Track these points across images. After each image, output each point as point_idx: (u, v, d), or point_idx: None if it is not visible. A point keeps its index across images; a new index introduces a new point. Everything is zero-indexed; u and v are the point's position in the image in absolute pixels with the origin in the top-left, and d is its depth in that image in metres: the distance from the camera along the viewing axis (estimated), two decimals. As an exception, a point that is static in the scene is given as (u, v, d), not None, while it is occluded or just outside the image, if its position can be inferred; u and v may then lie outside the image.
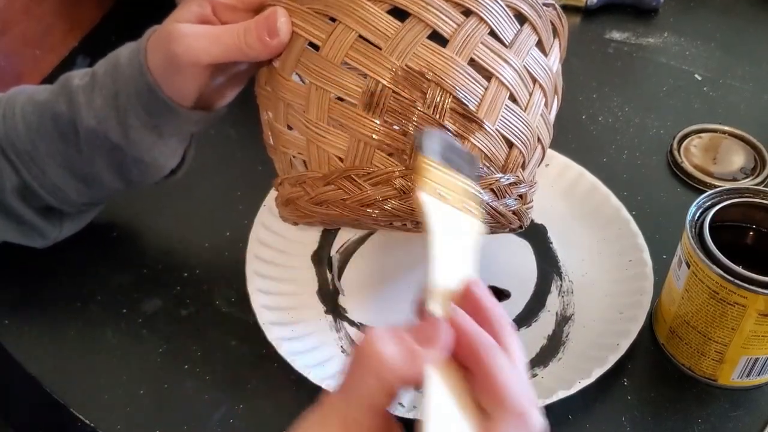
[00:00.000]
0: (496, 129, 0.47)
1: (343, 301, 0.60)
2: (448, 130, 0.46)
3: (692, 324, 0.53)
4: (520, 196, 0.51)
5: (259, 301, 0.57)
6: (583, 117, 0.78)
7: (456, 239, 0.39)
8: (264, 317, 0.56)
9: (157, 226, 0.67)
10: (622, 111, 0.79)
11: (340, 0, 0.46)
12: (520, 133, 0.48)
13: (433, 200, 0.39)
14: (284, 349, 0.54)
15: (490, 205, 0.49)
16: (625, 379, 0.55)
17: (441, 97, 0.45)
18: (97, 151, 0.54)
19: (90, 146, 0.54)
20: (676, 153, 0.73)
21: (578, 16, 0.93)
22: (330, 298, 0.60)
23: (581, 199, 0.67)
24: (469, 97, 0.46)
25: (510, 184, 0.49)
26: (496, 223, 0.50)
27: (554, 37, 0.51)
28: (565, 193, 0.68)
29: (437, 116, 0.46)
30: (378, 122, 0.46)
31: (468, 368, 0.35)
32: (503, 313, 0.38)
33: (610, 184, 0.67)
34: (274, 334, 0.55)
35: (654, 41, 0.89)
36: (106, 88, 0.53)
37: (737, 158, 0.73)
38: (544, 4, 0.49)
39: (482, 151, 0.47)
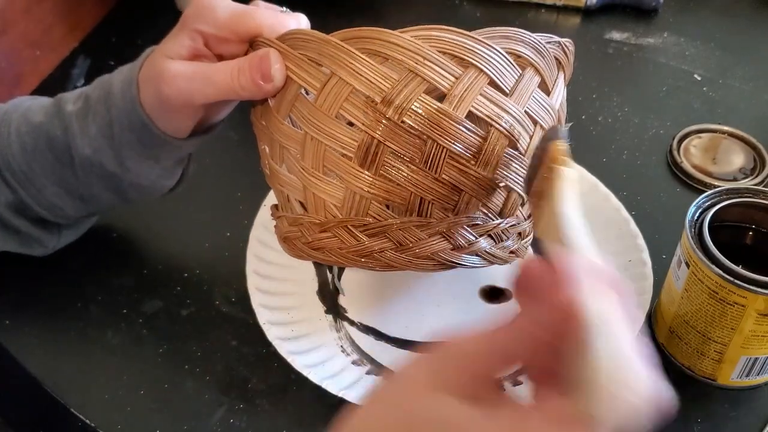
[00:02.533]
0: (495, 178, 0.46)
1: (343, 301, 0.60)
2: (444, 184, 0.45)
3: (692, 324, 0.53)
4: (519, 233, 0.51)
5: (258, 301, 0.57)
6: (583, 117, 0.78)
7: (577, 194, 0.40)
8: (264, 317, 0.56)
9: (157, 226, 0.67)
10: (622, 111, 0.79)
11: (334, 50, 0.44)
12: (519, 178, 0.48)
13: (570, 171, 0.40)
14: (284, 349, 0.54)
15: (488, 252, 0.48)
16: (624, 379, 0.55)
17: (437, 152, 0.44)
18: (94, 176, 0.54)
19: (86, 171, 0.54)
20: (675, 153, 0.73)
21: (578, 16, 0.93)
22: (330, 298, 0.60)
23: (581, 199, 0.67)
24: (466, 150, 0.45)
25: (509, 227, 0.49)
26: (494, 264, 0.50)
27: (558, 71, 0.49)
28: (565, 193, 0.67)
29: (433, 172, 0.45)
30: (374, 176, 0.45)
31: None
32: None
33: (610, 184, 0.67)
34: (274, 334, 0.55)
35: (654, 41, 0.89)
36: (100, 116, 0.52)
37: (737, 158, 0.73)
38: (548, 42, 0.48)
39: (479, 200, 0.47)
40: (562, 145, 0.42)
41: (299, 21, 0.50)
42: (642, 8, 0.93)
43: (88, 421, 0.53)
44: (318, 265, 0.62)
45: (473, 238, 0.48)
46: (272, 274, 0.60)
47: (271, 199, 0.65)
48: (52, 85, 0.81)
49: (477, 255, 0.48)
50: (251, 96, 0.48)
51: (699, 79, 0.83)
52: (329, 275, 0.62)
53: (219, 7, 0.49)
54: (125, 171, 0.53)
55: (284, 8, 0.51)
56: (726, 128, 0.75)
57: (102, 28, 0.90)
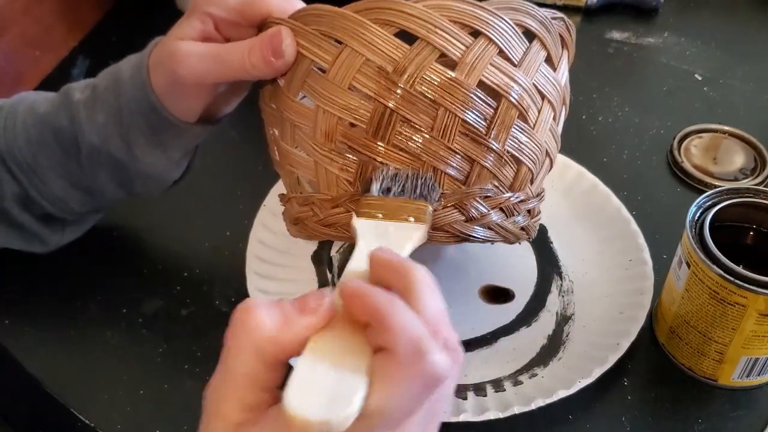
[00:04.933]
0: (506, 150, 0.47)
1: (343, 301, 0.60)
2: (457, 153, 0.46)
3: (692, 324, 0.53)
4: (529, 211, 0.51)
5: (259, 301, 0.57)
6: (583, 117, 0.78)
7: (383, 240, 0.41)
8: (264, 317, 0.56)
9: (157, 226, 0.67)
10: (622, 111, 0.79)
11: (347, 22, 0.45)
12: (529, 151, 0.48)
13: (361, 221, 0.42)
14: (284, 349, 0.54)
15: (500, 225, 0.49)
16: (625, 379, 0.55)
17: (450, 120, 0.45)
18: (100, 165, 0.54)
19: (92, 161, 0.54)
20: (676, 153, 0.73)
21: (578, 16, 0.93)
22: (330, 298, 0.60)
23: (581, 198, 0.67)
24: (478, 119, 0.45)
25: (519, 201, 0.49)
26: (505, 239, 0.50)
27: (563, 49, 0.50)
28: (565, 192, 0.68)
29: (446, 140, 0.45)
30: (386, 146, 0.46)
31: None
32: (413, 267, 0.35)
33: (610, 184, 0.67)
34: (274, 334, 0.55)
35: (654, 41, 0.89)
36: (108, 104, 0.52)
37: (737, 158, 0.73)
38: (553, 18, 0.48)
39: (491, 172, 0.47)
40: (366, 198, 0.44)
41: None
42: (642, 8, 0.93)
43: (87, 421, 0.53)
44: (318, 265, 0.62)
45: (485, 210, 0.48)
46: (272, 274, 0.60)
47: (270, 199, 0.65)
48: (52, 85, 0.80)
49: (489, 228, 0.49)
50: (262, 74, 0.48)
51: (699, 79, 0.83)
52: (329, 275, 0.62)
53: None
54: (133, 159, 0.53)
55: None
56: (726, 128, 0.75)
57: (102, 28, 0.90)
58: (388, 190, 0.45)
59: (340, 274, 0.62)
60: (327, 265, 0.63)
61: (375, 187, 0.45)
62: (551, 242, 0.64)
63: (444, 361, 0.32)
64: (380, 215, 0.43)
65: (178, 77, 0.49)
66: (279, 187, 0.65)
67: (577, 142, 0.73)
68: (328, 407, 0.30)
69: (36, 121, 0.54)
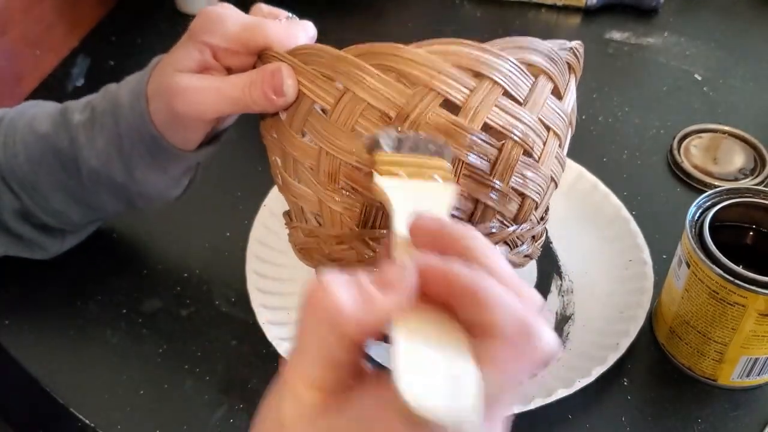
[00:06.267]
0: (510, 187, 0.46)
1: (343, 301, 0.60)
2: (460, 194, 0.45)
3: (692, 324, 0.53)
4: (533, 236, 0.51)
5: (258, 301, 0.57)
6: (583, 117, 0.78)
7: (417, 203, 0.37)
8: (263, 317, 0.56)
9: (157, 226, 0.67)
10: (622, 111, 0.79)
11: (348, 66, 0.44)
12: (534, 185, 0.48)
13: (385, 179, 0.39)
14: (284, 349, 0.54)
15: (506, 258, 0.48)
16: (625, 379, 0.55)
17: (453, 163, 0.44)
18: (102, 186, 0.54)
19: (93, 182, 0.54)
20: (676, 153, 0.73)
21: (578, 16, 0.93)
22: (330, 298, 0.60)
23: (581, 198, 0.67)
24: (482, 161, 0.45)
25: (523, 232, 0.49)
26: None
27: (570, 75, 0.49)
28: (565, 192, 0.67)
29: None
30: None
31: (454, 308, 0.30)
32: (466, 230, 0.32)
33: (610, 183, 0.67)
34: (273, 334, 0.55)
35: (654, 41, 0.89)
36: (108, 128, 0.52)
37: (737, 158, 0.73)
38: (561, 49, 0.47)
39: (495, 209, 0.46)
40: (379, 155, 0.41)
41: (307, 30, 0.49)
42: (642, 8, 0.93)
43: (87, 421, 0.53)
44: (318, 265, 0.62)
45: None
46: (272, 274, 0.60)
47: (270, 199, 0.65)
48: (52, 85, 0.81)
49: None
50: (262, 110, 0.47)
51: (699, 79, 0.83)
52: (329, 275, 0.62)
53: (228, 20, 0.48)
54: (133, 182, 0.53)
55: (290, 14, 0.51)
56: (726, 128, 0.75)
57: (102, 28, 0.90)
58: (398, 147, 0.42)
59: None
60: (327, 265, 0.63)
61: (384, 143, 0.42)
62: (551, 242, 0.64)
63: (554, 339, 0.29)
64: (402, 173, 0.40)
65: (177, 113, 0.49)
66: (279, 187, 0.65)
67: (577, 142, 0.73)
68: (452, 403, 0.27)
69: (36, 139, 0.53)
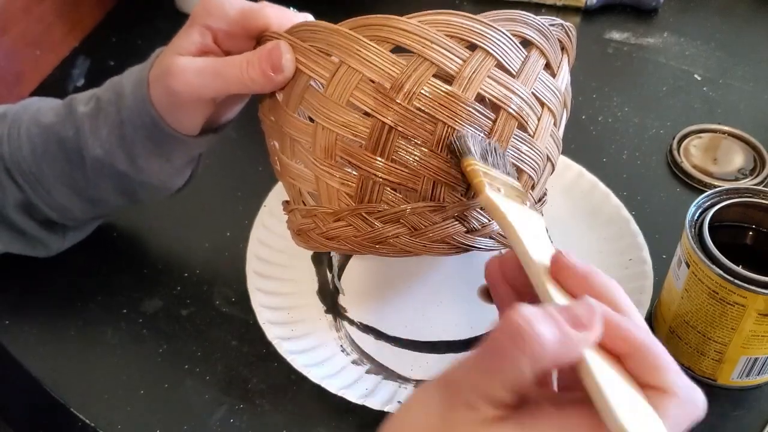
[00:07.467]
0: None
1: (342, 300, 0.60)
2: (456, 167, 0.45)
3: (692, 324, 0.53)
4: None
5: (258, 301, 0.58)
6: (583, 117, 0.78)
7: (529, 227, 0.39)
8: (264, 317, 0.56)
9: (158, 226, 0.67)
10: (622, 111, 0.79)
11: (342, 39, 0.45)
12: (530, 160, 0.48)
13: (499, 196, 0.40)
14: (284, 349, 0.54)
15: (501, 234, 0.49)
16: (624, 379, 0.55)
17: (448, 134, 0.45)
18: (104, 176, 0.54)
19: (96, 172, 0.54)
20: (675, 153, 0.73)
21: (578, 16, 0.93)
22: (330, 298, 0.60)
23: (581, 198, 0.67)
24: (477, 133, 0.45)
25: None
26: (506, 246, 0.50)
27: (562, 54, 0.50)
28: (565, 192, 0.68)
29: (445, 154, 0.45)
30: (385, 162, 0.45)
31: (621, 357, 0.33)
32: (605, 277, 0.36)
33: (610, 183, 0.67)
34: (273, 334, 0.55)
35: (654, 41, 0.89)
36: (111, 117, 0.52)
37: (737, 158, 0.73)
38: (551, 25, 0.48)
39: None
40: (476, 164, 0.42)
41: (306, 19, 0.51)
42: (642, 8, 0.93)
43: (88, 421, 0.53)
44: (318, 265, 0.62)
45: (486, 221, 0.48)
46: (272, 274, 0.60)
47: (271, 199, 0.65)
48: (52, 85, 0.81)
49: (490, 237, 0.48)
50: (261, 88, 0.48)
51: (699, 79, 0.83)
52: (329, 275, 0.62)
53: (228, 3, 0.49)
54: (136, 170, 0.54)
55: (292, 8, 0.51)
56: (726, 128, 0.75)
57: (102, 28, 0.90)
58: (484, 157, 0.43)
59: (339, 275, 0.62)
60: (327, 265, 0.63)
61: (474, 149, 0.43)
62: (551, 242, 0.64)
63: (705, 400, 0.34)
64: (502, 190, 0.40)
65: (175, 93, 0.49)
66: (279, 188, 0.65)
67: (577, 142, 0.73)
68: None
69: (40, 131, 0.54)
